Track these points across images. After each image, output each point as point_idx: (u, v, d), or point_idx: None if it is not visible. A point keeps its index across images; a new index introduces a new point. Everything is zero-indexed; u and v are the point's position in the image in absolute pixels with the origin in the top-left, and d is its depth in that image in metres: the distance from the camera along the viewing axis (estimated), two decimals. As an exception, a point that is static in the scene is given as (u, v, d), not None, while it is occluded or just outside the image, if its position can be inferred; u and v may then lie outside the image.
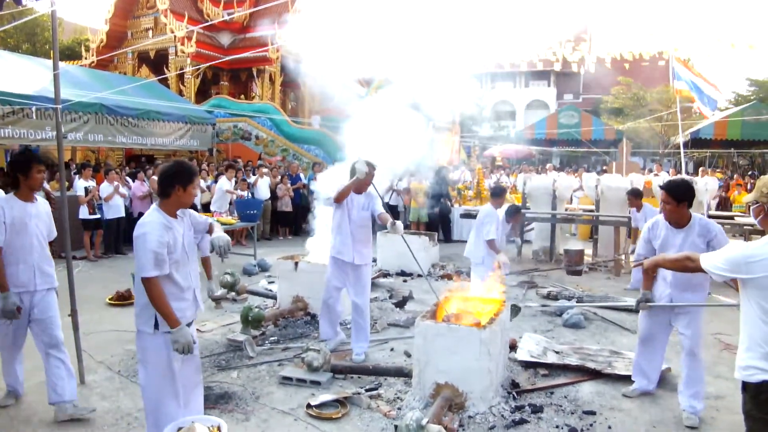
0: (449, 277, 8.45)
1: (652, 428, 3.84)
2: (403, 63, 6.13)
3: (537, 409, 3.96)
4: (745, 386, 2.40)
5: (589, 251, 9.75)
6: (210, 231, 3.35)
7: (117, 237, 9.93)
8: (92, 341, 5.22)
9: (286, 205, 12.43)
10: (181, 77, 18.51)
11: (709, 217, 6.75)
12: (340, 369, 4.57)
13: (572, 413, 3.97)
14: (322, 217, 6.03)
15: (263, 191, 12.00)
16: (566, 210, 10.85)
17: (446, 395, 3.80)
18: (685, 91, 13.23)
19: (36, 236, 3.75)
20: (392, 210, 11.69)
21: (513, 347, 5.01)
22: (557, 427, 3.77)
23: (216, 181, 11.24)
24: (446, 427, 3.40)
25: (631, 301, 6.57)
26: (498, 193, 6.63)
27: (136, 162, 14.77)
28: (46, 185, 7.79)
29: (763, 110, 18.09)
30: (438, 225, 12.01)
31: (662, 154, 24.39)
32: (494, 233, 6.24)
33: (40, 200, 3.91)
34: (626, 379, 4.45)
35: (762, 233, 2.56)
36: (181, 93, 18.00)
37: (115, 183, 9.69)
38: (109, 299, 6.80)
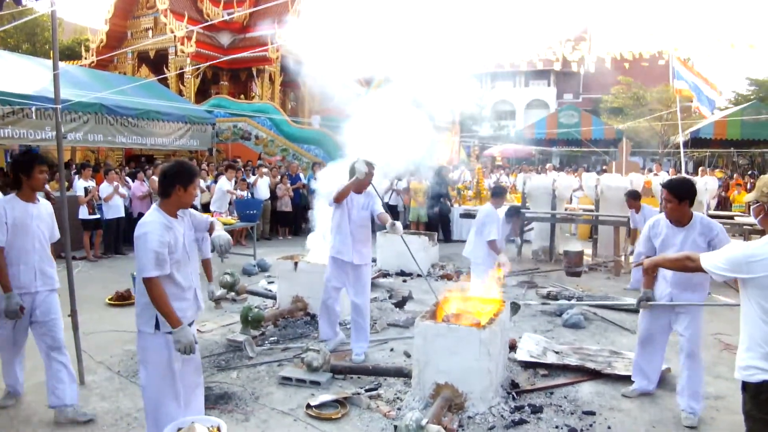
0: (449, 277, 8.46)
1: (652, 428, 3.84)
2: (403, 63, 6.13)
3: (537, 410, 3.96)
4: (745, 386, 2.40)
5: (588, 251, 9.75)
6: (211, 230, 3.35)
7: (117, 237, 9.93)
8: (92, 341, 5.22)
9: (285, 205, 12.43)
10: (180, 77, 18.50)
11: (709, 216, 6.74)
12: (340, 369, 4.57)
13: (572, 413, 3.97)
14: (322, 214, 6.03)
15: (263, 191, 12.00)
16: (566, 210, 10.83)
17: (446, 395, 3.80)
18: (685, 90, 13.21)
19: (37, 237, 3.74)
20: (392, 210, 11.68)
21: (513, 347, 5.01)
22: (557, 427, 3.77)
23: (216, 181, 11.23)
24: (446, 428, 3.40)
25: (631, 301, 6.57)
26: (498, 193, 6.62)
27: (136, 162, 14.75)
28: (45, 185, 7.77)
29: (762, 110, 18.04)
30: (438, 225, 11.99)
31: (662, 153, 24.38)
32: (495, 234, 6.22)
33: (43, 201, 3.90)
34: (626, 380, 4.45)
35: (762, 233, 2.56)
36: (180, 93, 17.99)
37: (115, 183, 9.69)
38: (109, 299, 6.80)
